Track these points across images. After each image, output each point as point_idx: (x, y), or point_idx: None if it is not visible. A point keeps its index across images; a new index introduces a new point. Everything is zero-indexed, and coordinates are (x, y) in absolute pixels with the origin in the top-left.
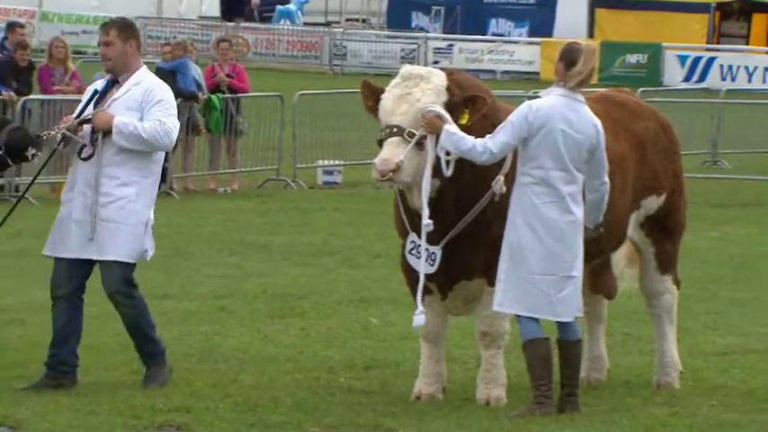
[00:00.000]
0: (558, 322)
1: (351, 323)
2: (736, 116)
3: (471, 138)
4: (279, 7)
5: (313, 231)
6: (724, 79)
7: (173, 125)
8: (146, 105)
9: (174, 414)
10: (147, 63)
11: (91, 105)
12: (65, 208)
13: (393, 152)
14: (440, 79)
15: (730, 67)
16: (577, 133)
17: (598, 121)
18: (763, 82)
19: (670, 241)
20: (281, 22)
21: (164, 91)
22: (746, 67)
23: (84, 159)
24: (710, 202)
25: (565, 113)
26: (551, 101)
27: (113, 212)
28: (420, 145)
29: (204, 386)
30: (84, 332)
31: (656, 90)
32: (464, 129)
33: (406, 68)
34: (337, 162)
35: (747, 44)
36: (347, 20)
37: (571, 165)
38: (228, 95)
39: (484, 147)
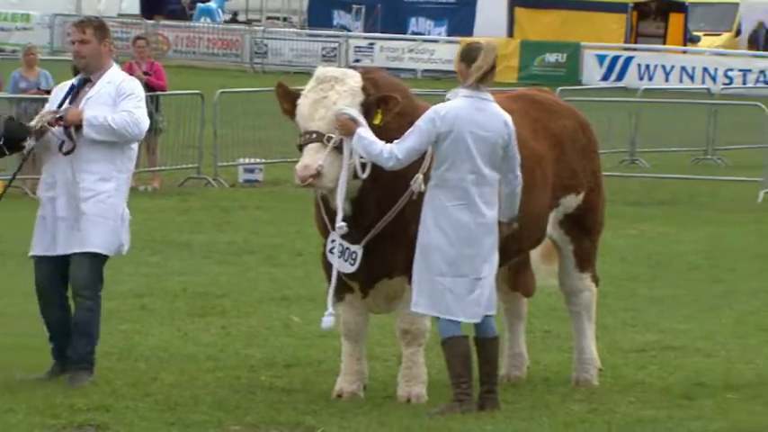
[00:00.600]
0: (477, 323)
1: (272, 321)
2: (653, 115)
3: (381, 143)
4: (199, 5)
5: (234, 230)
6: (641, 78)
7: (141, 116)
8: (118, 100)
9: (94, 413)
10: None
11: (67, 102)
12: (47, 207)
13: (313, 158)
14: (355, 80)
15: (648, 67)
16: (487, 132)
17: (508, 117)
18: (680, 81)
19: (589, 239)
20: (202, 19)
21: (134, 85)
22: (663, 67)
23: (67, 153)
24: (628, 201)
25: (473, 114)
26: (458, 103)
27: (94, 207)
28: (339, 148)
29: (124, 385)
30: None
31: (574, 89)
32: (380, 128)
33: (321, 71)
34: (258, 160)
35: (664, 44)
36: (268, 18)
37: (484, 165)
38: (147, 93)
39: (390, 153)
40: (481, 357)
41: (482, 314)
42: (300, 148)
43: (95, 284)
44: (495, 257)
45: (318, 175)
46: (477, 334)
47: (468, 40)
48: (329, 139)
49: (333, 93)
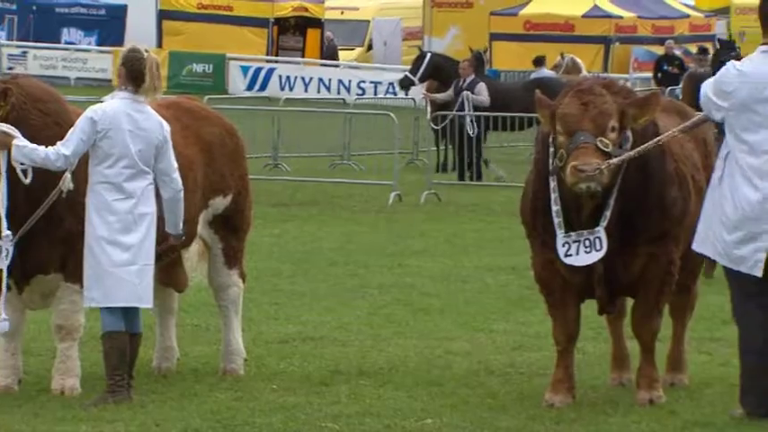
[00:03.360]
0: (126, 317)
1: None
2: (294, 122)
3: (42, 147)
4: None
5: None
6: (283, 89)
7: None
8: None
9: None
10: None
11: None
12: None
13: None
14: None
15: (288, 78)
16: (143, 132)
17: (164, 121)
18: (318, 91)
19: (236, 238)
20: None
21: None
22: (303, 78)
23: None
24: (272, 202)
25: (130, 114)
26: (116, 104)
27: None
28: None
29: None
30: None
31: (221, 98)
32: (34, 136)
33: None
34: None
35: (303, 56)
36: None
37: (141, 163)
38: None
39: (57, 154)
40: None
41: (151, 301)
42: None
43: None
44: (152, 247)
45: None
46: (126, 329)
47: (123, 48)
48: None
49: None
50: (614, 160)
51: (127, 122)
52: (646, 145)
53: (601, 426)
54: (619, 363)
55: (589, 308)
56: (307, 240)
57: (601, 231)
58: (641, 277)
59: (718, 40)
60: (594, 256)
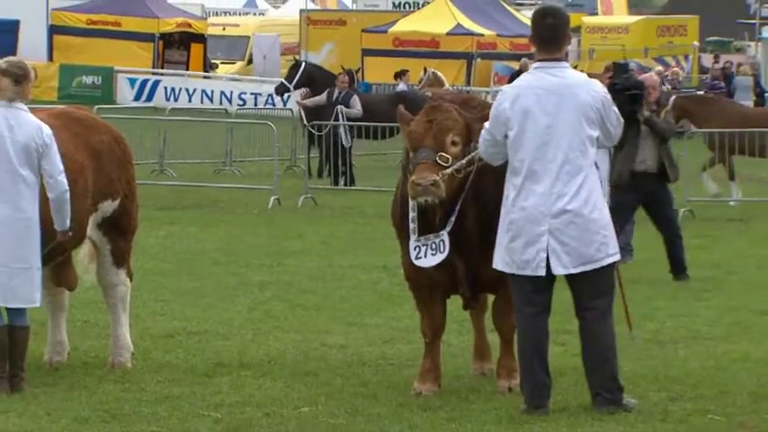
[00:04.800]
0: (9, 311)
1: None
2: (179, 131)
3: None
4: None
5: None
6: (168, 99)
7: None
8: None
9: None
10: None
11: None
12: None
13: None
14: None
15: (173, 89)
16: (20, 137)
17: (43, 125)
18: (201, 102)
19: (124, 239)
20: None
21: None
22: (187, 89)
23: None
24: (158, 206)
25: (8, 120)
26: None
27: None
28: None
29: None
30: None
31: (110, 108)
32: None
33: None
34: None
35: (187, 69)
36: None
37: (21, 167)
38: None
39: None
40: (11, 343)
41: (27, 302)
42: None
43: None
44: (39, 252)
45: None
46: (10, 322)
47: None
48: None
49: None
50: (447, 171)
51: (5, 129)
52: (473, 154)
53: (464, 412)
54: (480, 354)
55: (454, 303)
56: (191, 242)
57: (444, 235)
58: (501, 275)
59: (614, 63)
60: (439, 258)
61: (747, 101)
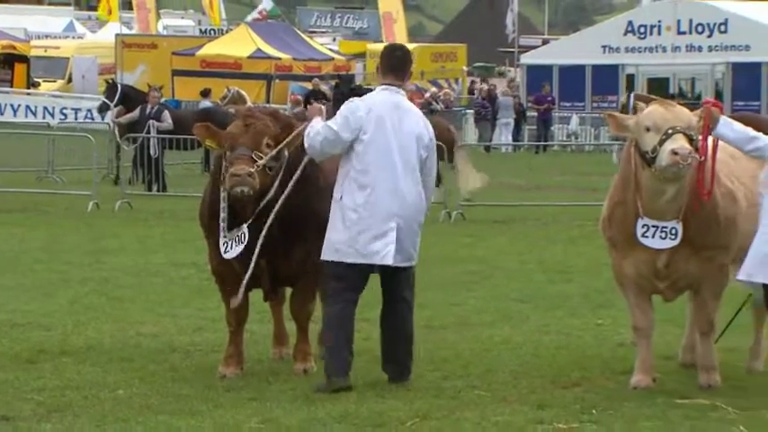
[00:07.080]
0: None
1: None
2: (3, 142)
3: None
4: None
5: None
6: None
7: None
8: None
9: None
10: None
11: None
12: None
13: None
14: None
15: None
16: None
17: None
18: (26, 116)
19: None
20: None
21: None
22: (12, 105)
23: None
24: None
25: None
26: None
27: None
28: None
29: None
30: None
31: None
32: None
33: None
34: None
35: (12, 86)
36: None
37: None
38: None
39: None
40: None
41: None
42: None
43: None
44: None
45: None
46: None
47: None
48: None
49: None
50: (261, 162)
51: None
52: (283, 143)
53: (264, 392)
54: (279, 340)
55: (256, 295)
56: (15, 242)
57: (245, 228)
58: (299, 270)
59: (339, 75)
60: (241, 248)
61: (509, 119)
